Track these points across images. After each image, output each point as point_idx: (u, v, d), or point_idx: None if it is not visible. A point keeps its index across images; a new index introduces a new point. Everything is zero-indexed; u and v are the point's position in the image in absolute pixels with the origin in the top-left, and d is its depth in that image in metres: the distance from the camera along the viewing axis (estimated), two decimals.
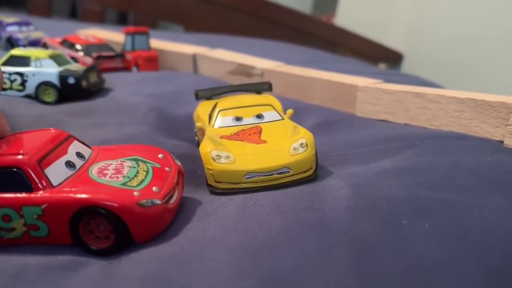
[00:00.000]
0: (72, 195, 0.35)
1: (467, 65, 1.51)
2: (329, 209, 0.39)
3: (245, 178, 0.45)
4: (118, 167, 0.40)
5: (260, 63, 0.91)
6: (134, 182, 0.38)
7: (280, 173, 0.45)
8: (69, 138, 0.42)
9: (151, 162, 0.42)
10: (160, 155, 0.44)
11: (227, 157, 0.46)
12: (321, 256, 0.33)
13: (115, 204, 0.35)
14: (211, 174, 0.46)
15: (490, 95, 0.59)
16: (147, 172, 0.40)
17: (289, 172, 0.45)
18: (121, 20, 2.42)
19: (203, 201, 0.44)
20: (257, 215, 0.39)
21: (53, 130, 0.42)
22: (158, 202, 0.37)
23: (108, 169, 0.40)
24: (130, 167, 0.41)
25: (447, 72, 1.52)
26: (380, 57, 1.99)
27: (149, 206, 0.36)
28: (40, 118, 0.67)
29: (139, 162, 0.42)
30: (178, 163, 0.44)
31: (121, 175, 0.39)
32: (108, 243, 0.36)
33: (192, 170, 0.51)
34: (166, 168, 0.42)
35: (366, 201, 0.41)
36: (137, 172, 0.40)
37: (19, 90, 0.77)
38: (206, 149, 0.47)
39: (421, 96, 0.64)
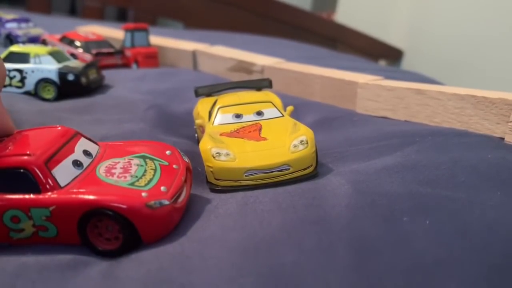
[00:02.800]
0: (80, 196, 0.35)
1: (467, 62, 1.51)
2: (329, 206, 0.39)
3: (245, 176, 0.44)
4: (125, 166, 0.40)
5: (260, 60, 0.91)
6: (142, 182, 0.38)
7: (280, 171, 0.45)
8: (76, 136, 0.42)
9: (158, 159, 0.42)
10: (168, 152, 0.44)
11: (227, 154, 0.45)
12: (322, 253, 0.33)
13: (123, 206, 0.35)
14: (211, 171, 0.45)
15: (490, 91, 0.59)
16: (155, 170, 0.40)
17: (289, 169, 0.45)
18: (121, 17, 2.41)
19: (203, 198, 0.44)
20: (257, 212, 0.39)
21: (59, 128, 0.42)
22: (167, 202, 0.36)
23: (115, 168, 0.39)
24: (137, 165, 0.40)
25: (447, 69, 1.52)
26: (381, 54, 1.99)
27: (157, 207, 0.36)
28: (40, 115, 0.67)
29: (146, 160, 0.41)
30: (186, 159, 0.44)
31: (129, 175, 0.38)
32: (116, 244, 0.36)
33: (192, 168, 0.51)
34: (174, 166, 0.42)
35: (367, 198, 0.40)
36: (145, 170, 0.39)
37: (18, 87, 0.77)
38: (206, 146, 0.46)
39: (421, 93, 0.64)
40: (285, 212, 0.39)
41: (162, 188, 0.38)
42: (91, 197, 0.35)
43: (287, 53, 1.11)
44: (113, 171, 0.39)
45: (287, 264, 0.32)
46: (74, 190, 0.36)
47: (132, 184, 0.37)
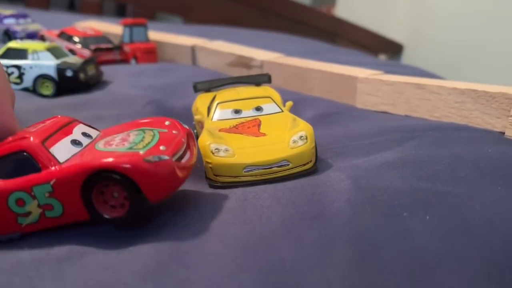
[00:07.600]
0: (78, 165, 0.36)
1: (468, 56, 1.50)
2: (329, 202, 0.39)
3: (244, 172, 0.44)
4: (124, 137, 0.41)
5: (259, 55, 0.90)
6: (140, 145, 0.38)
7: (280, 166, 0.45)
8: (73, 122, 0.43)
9: (157, 129, 0.43)
10: (166, 122, 0.44)
11: (226, 150, 0.45)
12: (321, 249, 0.33)
13: (121, 165, 0.35)
14: (210, 167, 0.45)
15: (491, 85, 0.58)
16: (153, 136, 0.41)
17: (288, 165, 0.45)
18: (120, 12, 2.40)
19: (202, 194, 0.44)
20: (256, 208, 0.39)
21: (58, 117, 0.43)
22: (166, 157, 0.37)
23: (114, 140, 0.40)
24: (136, 135, 0.41)
25: (447, 63, 1.51)
26: (381, 48, 1.98)
27: (156, 161, 0.36)
28: (38, 112, 0.66)
29: (146, 131, 0.42)
30: (186, 127, 0.44)
31: (127, 142, 0.39)
32: (124, 210, 0.36)
33: (191, 164, 0.51)
34: (173, 131, 0.42)
35: (366, 193, 0.40)
36: (143, 137, 0.40)
37: (16, 83, 0.77)
38: (205, 142, 0.46)
39: (421, 87, 0.64)
40: (285, 208, 0.39)
41: (161, 147, 0.38)
42: (89, 162, 0.36)
43: (286, 48, 1.10)
44: (112, 142, 0.40)
45: (286, 259, 0.32)
46: (73, 163, 0.37)
47: (130, 148, 0.38)
